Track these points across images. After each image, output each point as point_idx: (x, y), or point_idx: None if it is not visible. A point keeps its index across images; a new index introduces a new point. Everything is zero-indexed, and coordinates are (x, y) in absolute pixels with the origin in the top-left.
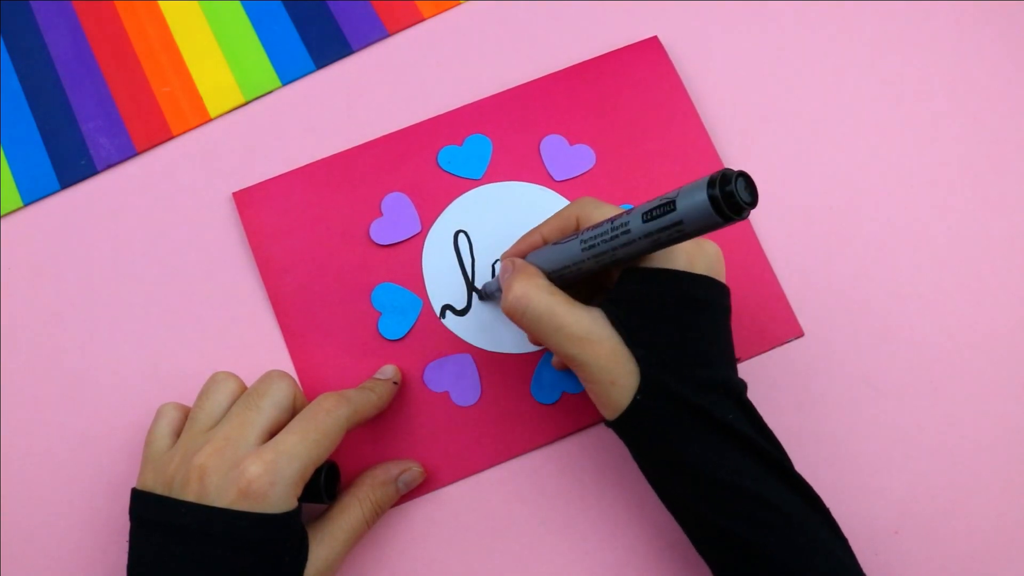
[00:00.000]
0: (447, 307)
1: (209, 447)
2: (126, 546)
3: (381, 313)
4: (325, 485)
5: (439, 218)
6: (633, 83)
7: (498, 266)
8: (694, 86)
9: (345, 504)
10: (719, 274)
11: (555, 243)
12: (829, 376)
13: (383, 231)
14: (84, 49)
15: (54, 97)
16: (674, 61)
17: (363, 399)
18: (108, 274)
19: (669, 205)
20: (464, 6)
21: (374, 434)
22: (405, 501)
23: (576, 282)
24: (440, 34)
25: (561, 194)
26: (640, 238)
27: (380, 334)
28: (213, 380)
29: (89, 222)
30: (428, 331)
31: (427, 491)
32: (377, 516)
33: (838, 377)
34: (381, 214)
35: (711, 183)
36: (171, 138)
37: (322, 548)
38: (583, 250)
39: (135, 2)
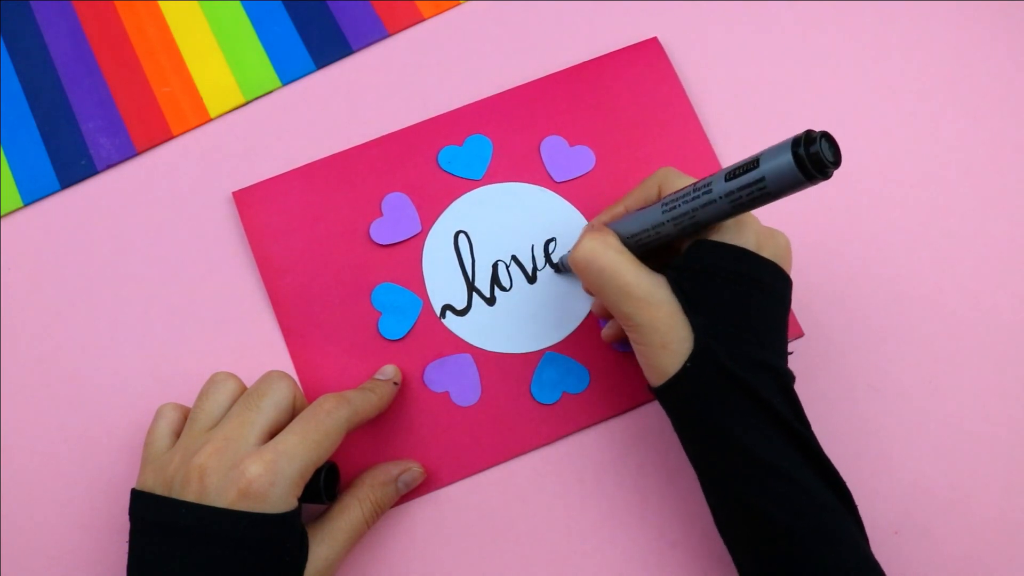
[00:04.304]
0: (447, 307)
1: (209, 447)
2: (126, 546)
3: (381, 313)
4: (325, 485)
5: (439, 218)
6: (633, 84)
7: (500, 266)
8: (693, 87)
9: (345, 504)
10: (786, 265)
11: (637, 209)
12: (829, 376)
13: (383, 231)
14: (84, 49)
15: (54, 97)
16: (673, 62)
17: (363, 400)
18: (108, 274)
19: (753, 163)
20: (464, 6)
21: (374, 434)
22: (405, 501)
23: (654, 251)
24: (440, 34)
25: (561, 195)
26: (721, 197)
27: (380, 334)
28: (213, 380)
29: (89, 222)
30: (428, 331)
31: (427, 491)
32: (377, 516)
33: (838, 377)
34: (381, 214)
35: (796, 143)
36: (171, 138)
37: (322, 548)
38: (664, 212)
39: (135, 2)
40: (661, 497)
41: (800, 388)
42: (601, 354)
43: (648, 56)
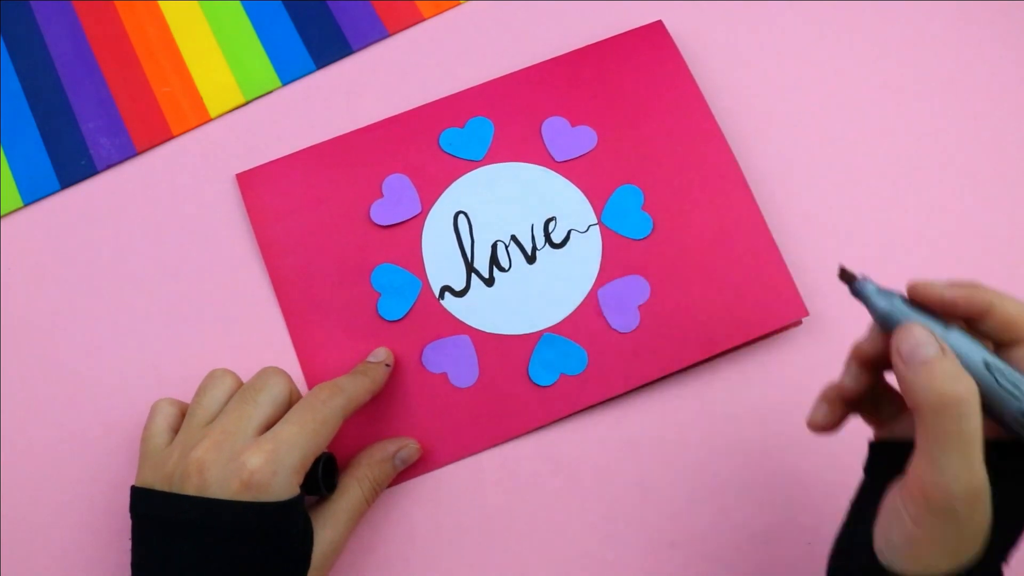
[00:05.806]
0: (446, 288)
1: (207, 441)
2: (126, 546)
3: (380, 294)
4: (323, 476)
5: (439, 199)
6: (637, 66)
7: (499, 246)
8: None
9: (345, 485)
10: None
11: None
12: (830, 374)
13: (384, 212)
14: (84, 49)
15: (54, 97)
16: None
17: (357, 385)
18: (108, 274)
19: None
20: (464, 6)
21: (372, 415)
22: (402, 480)
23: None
24: (440, 34)
25: (562, 175)
26: None
27: (379, 315)
28: (210, 377)
29: (89, 222)
30: (427, 312)
31: (424, 472)
32: (376, 494)
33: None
34: (382, 195)
35: None
36: (171, 138)
37: (327, 531)
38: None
39: (135, 2)
40: (661, 497)
41: (801, 375)
42: (599, 336)
43: (653, 39)
